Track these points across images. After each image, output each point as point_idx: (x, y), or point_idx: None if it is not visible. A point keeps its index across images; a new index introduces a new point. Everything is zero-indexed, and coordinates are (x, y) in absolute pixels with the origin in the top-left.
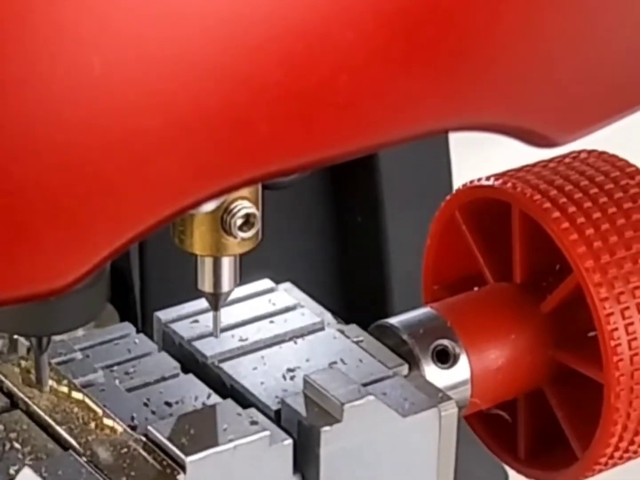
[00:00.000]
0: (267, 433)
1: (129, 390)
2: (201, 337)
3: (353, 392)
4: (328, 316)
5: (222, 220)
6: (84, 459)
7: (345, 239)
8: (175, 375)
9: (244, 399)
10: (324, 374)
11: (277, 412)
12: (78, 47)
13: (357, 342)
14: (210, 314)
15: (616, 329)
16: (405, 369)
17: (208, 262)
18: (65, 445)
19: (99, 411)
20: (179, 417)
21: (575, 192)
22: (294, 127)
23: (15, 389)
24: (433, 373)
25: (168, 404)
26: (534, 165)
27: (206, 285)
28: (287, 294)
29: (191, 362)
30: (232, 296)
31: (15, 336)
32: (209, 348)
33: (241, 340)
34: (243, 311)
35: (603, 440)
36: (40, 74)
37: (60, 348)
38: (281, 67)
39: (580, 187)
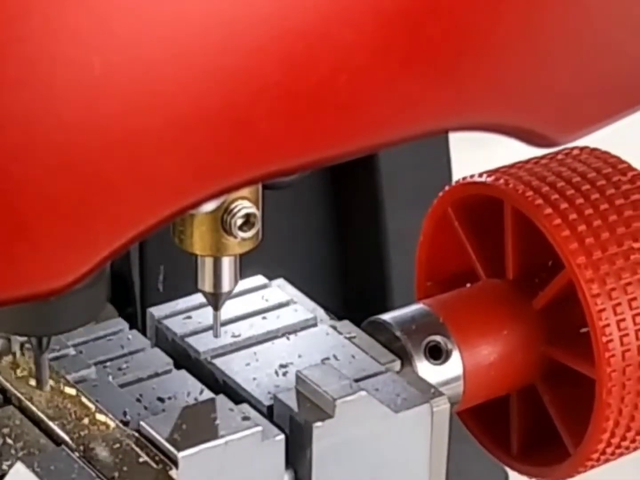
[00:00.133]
0: (259, 429)
1: (122, 386)
2: (194, 333)
3: (345, 387)
4: (321, 312)
5: (222, 220)
6: (77, 454)
7: (345, 239)
8: (168, 371)
9: (236, 395)
10: (316, 369)
11: (270, 408)
12: (78, 47)
13: (349, 338)
14: (203, 310)
15: (608, 325)
16: (397, 365)
17: (208, 262)
18: (58, 441)
19: (92, 407)
20: (172, 412)
21: (567, 188)
22: (294, 127)
23: (8, 385)
24: (425, 369)
25: (161, 399)
26: (526, 162)
27: (206, 285)
28: (280, 290)
29: (184, 358)
30: None
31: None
32: (201, 344)
33: (234, 336)
34: (236, 307)
35: (595, 436)
36: (40, 74)
37: (54, 344)
38: (281, 67)
39: (572, 183)
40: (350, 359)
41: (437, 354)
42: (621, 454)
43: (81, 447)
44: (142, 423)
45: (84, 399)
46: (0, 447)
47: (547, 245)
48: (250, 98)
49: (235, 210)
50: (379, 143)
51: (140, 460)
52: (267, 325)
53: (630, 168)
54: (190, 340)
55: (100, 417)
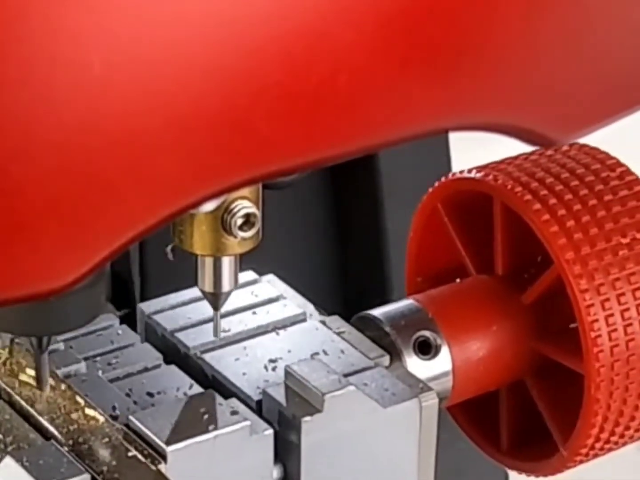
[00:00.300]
0: (247, 423)
1: (112, 380)
2: (184, 328)
3: (334, 382)
4: (310, 307)
5: (222, 220)
6: (66, 448)
7: (345, 239)
8: (158, 366)
9: (225, 390)
10: (305, 364)
11: (259, 403)
12: (78, 47)
13: (339, 334)
14: (193, 306)
15: (596, 320)
16: (386, 360)
17: (208, 262)
18: (47, 435)
19: (81, 401)
20: (161, 407)
21: (556, 184)
22: (294, 127)
23: None
24: (415, 364)
25: (150, 394)
26: (516, 157)
27: (206, 285)
28: (269, 285)
29: (174, 353)
30: None
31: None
32: (191, 339)
33: (223, 331)
34: (226, 302)
35: (584, 431)
36: (39, 74)
37: None
38: (281, 67)
39: (561, 179)
40: (340, 354)
41: (426, 349)
42: (610, 449)
43: (70, 442)
44: (131, 417)
45: (73, 394)
46: None
47: (536, 241)
48: (250, 98)
49: (235, 210)
50: (379, 143)
51: (130, 454)
52: (256, 321)
53: (619, 164)
54: (180, 335)
55: (89, 411)
